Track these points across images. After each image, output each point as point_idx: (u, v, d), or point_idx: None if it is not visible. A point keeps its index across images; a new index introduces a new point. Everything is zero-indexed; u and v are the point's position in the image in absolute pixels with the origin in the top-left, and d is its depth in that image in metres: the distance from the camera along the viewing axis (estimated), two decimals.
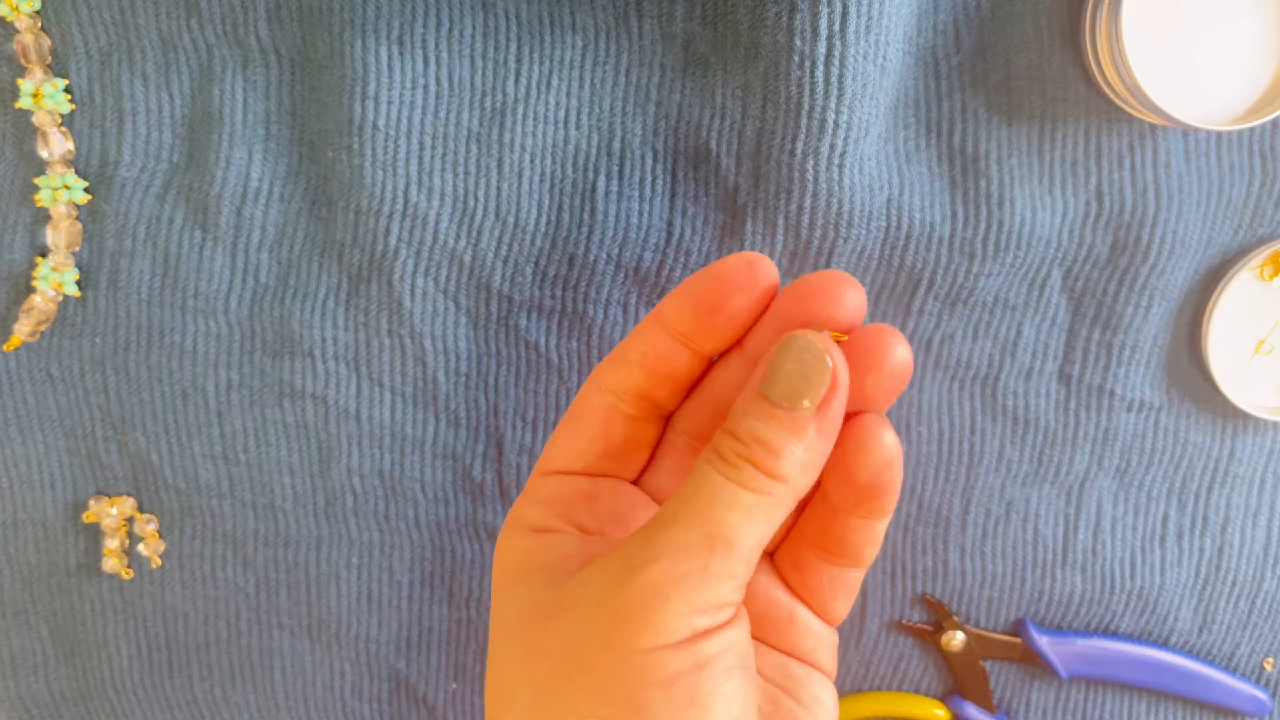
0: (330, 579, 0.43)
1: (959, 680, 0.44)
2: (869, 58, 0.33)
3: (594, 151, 0.37)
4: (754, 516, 0.24)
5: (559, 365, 0.40)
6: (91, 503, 0.42)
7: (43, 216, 0.38)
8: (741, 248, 0.37)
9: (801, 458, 0.24)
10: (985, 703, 0.44)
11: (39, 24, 0.36)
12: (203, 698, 0.45)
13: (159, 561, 0.43)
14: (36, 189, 0.38)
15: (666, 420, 0.29)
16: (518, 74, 0.36)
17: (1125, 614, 0.43)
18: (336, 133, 0.36)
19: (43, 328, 0.39)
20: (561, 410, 0.40)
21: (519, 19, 0.36)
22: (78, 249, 0.39)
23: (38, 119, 0.37)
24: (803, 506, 0.28)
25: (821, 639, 0.28)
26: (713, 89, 0.36)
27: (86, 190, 0.38)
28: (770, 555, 0.29)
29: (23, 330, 0.39)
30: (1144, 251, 0.38)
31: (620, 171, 0.37)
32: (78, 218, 0.38)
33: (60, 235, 0.38)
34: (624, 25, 0.36)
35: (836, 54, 0.33)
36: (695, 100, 0.36)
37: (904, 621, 0.43)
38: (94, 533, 0.43)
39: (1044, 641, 0.42)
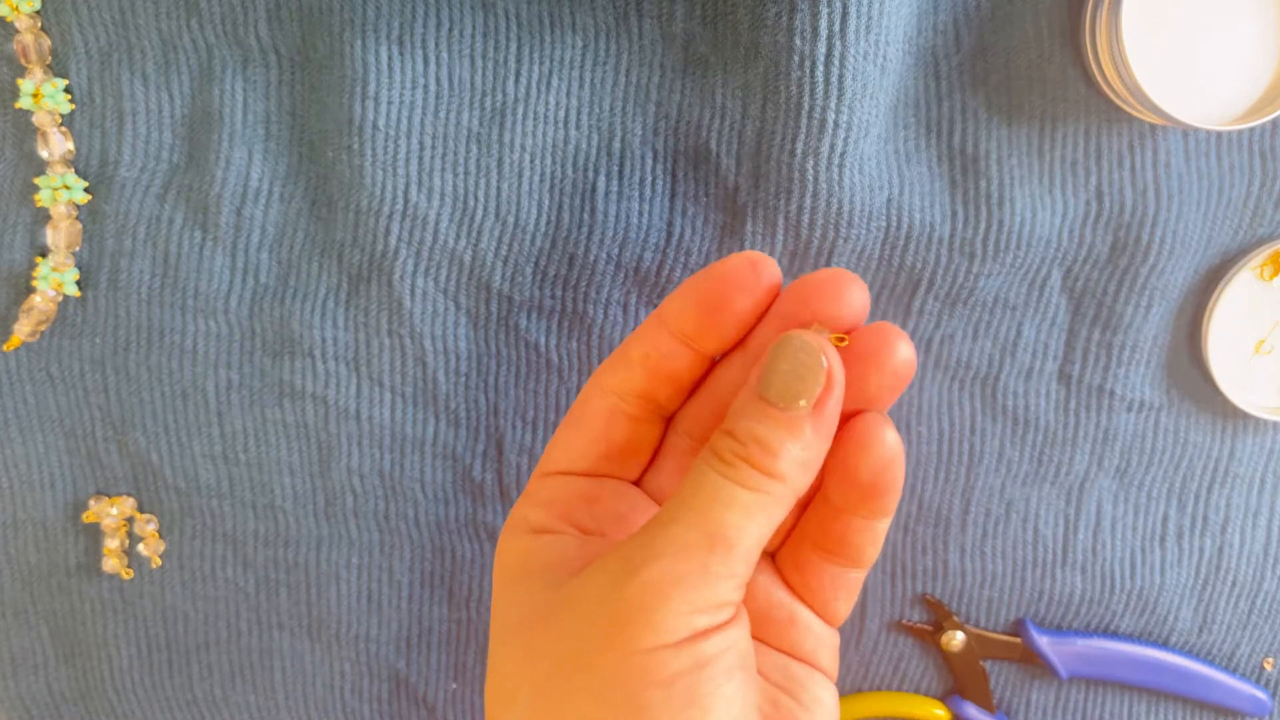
0: (330, 579, 0.43)
1: (959, 680, 0.44)
2: (869, 58, 0.33)
3: (594, 151, 0.37)
4: (753, 515, 0.24)
5: (559, 365, 0.40)
6: (91, 503, 0.42)
7: (43, 216, 0.38)
8: (741, 248, 0.37)
9: (799, 456, 0.24)
10: (985, 703, 0.44)
11: (39, 24, 0.36)
12: (203, 698, 0.45)
13: (159, 561, 0.43)
14: (36, 189, 0.38)
15: (668, 421, 0.29)
16: (518, 74, 0.36)
17: (1125, 614, 0.43)
18: (336, 133, 0.36)
19: (43, 328, 0.39)
20: (562, 410, 0.40)
21: (519, 19, 0.36)
22: (78, 249, 0.39)
23: (38, 119, 0.37)
24: (804, 507, 0.28)
25: (823, 640, 0.28)
26: (713, 89, 0.36)
27: (86, 190, 0.38)
28: (772, 556, 0.29)
29: (23, 330, 0.39)
30: (1144, 251, 0.38)
31: (620, 171, 0.37)
32: (78, 218, 0.38)
33: (60, 235, 0.38)
34: (624, 25, 0.36)
35: (836, 54, 0.33)
36: (695, 100, 0.36)
37: (904, 621, 0.43)
38: (94, 533, 0.43)
39: (1044, 641, 0.42)
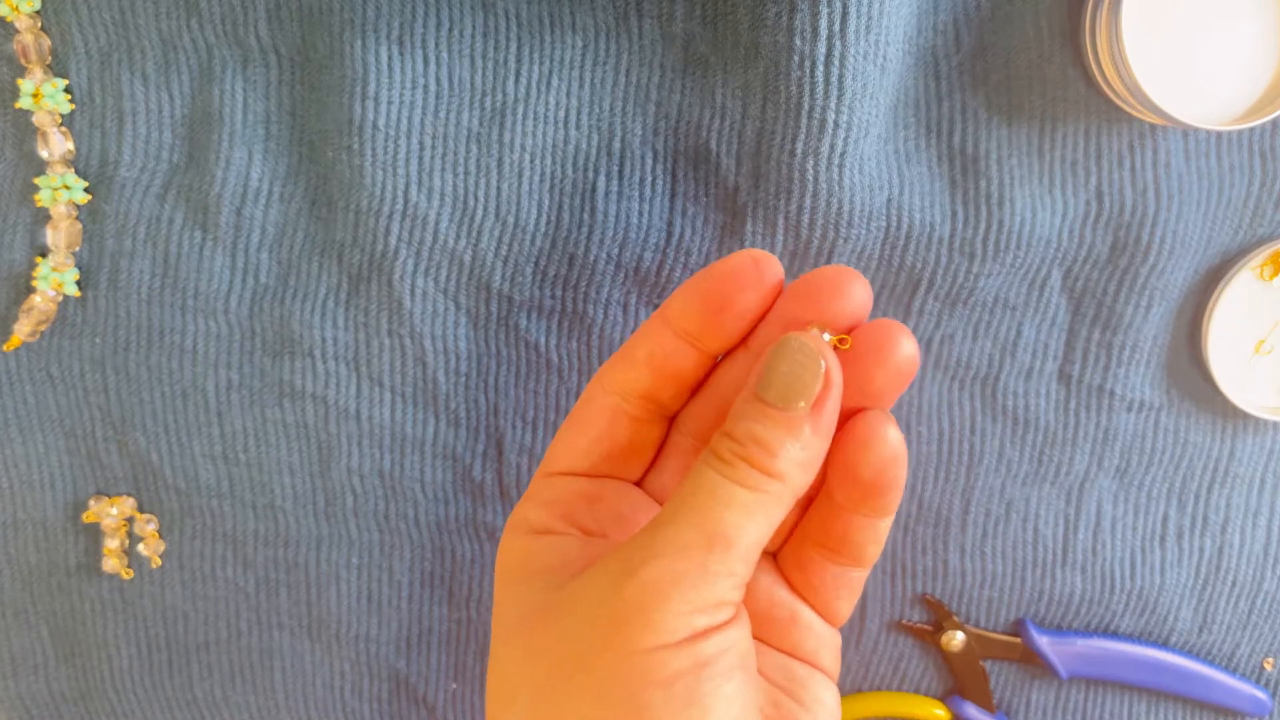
0: (330, 579, 0.43)
1: (959, 680, 0.44)
2: (869, 58, 0.33)
3: (594, 151, 0.37)
4: (752, 514, 0.24)
5: (559, 365, 0.40)
6: (91, 503, 0.42)
7: (43, 216, 0.38)
8: (741, 247, 0.37)
9: (798, 456, 0.24)
10: (985, 703, 0.44)
11: (39, 24, 0.36)
12: (203, 698, 0.45)
13: (159, 561, 0.43)
14: (36, 189, 0.38)
15: (670, 421, 0.29)
16: (518, 74, 0.36)
17: (1125, 614, 0.43)
18: (336, 133, 0.36)
19: (43, 328, 0.39)
20: (562, 410, 0.40)
21: (519, 19, 0.36)
22: (78, 249, 0.39)
23: (38, 119, 0.37)
24: (806, 506, 0.28)
25: (824, 639, 0.28)
26: (713, 89, 0.36)
27: (86, 190, 0.38)
28: (773, 556, 0.29)
29: (23, 330, 0.39)
30: (1144, 251, 0.38)
31: (620, 171, 0.37)
32: (78, 218, 0.38)
33: (60, 235, 0.38)
34: (624, 25, 0.36)
35: (836, 54, 0.33)
36: (695, 100, 0.36)
37: (904, 621, 0.43)
38: (94, 533, 0.43)
39: (1044, 641, 0.42)
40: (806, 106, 0.34)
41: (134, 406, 0.40)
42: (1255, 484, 0.42)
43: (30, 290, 0.39)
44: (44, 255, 0.38)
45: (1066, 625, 0.43)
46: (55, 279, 0.38)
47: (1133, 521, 0.42)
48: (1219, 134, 0.37)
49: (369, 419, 0.40)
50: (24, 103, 0.36)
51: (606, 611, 0.23)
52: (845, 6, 0.32)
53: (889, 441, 0.25)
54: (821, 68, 0.33)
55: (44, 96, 0.36)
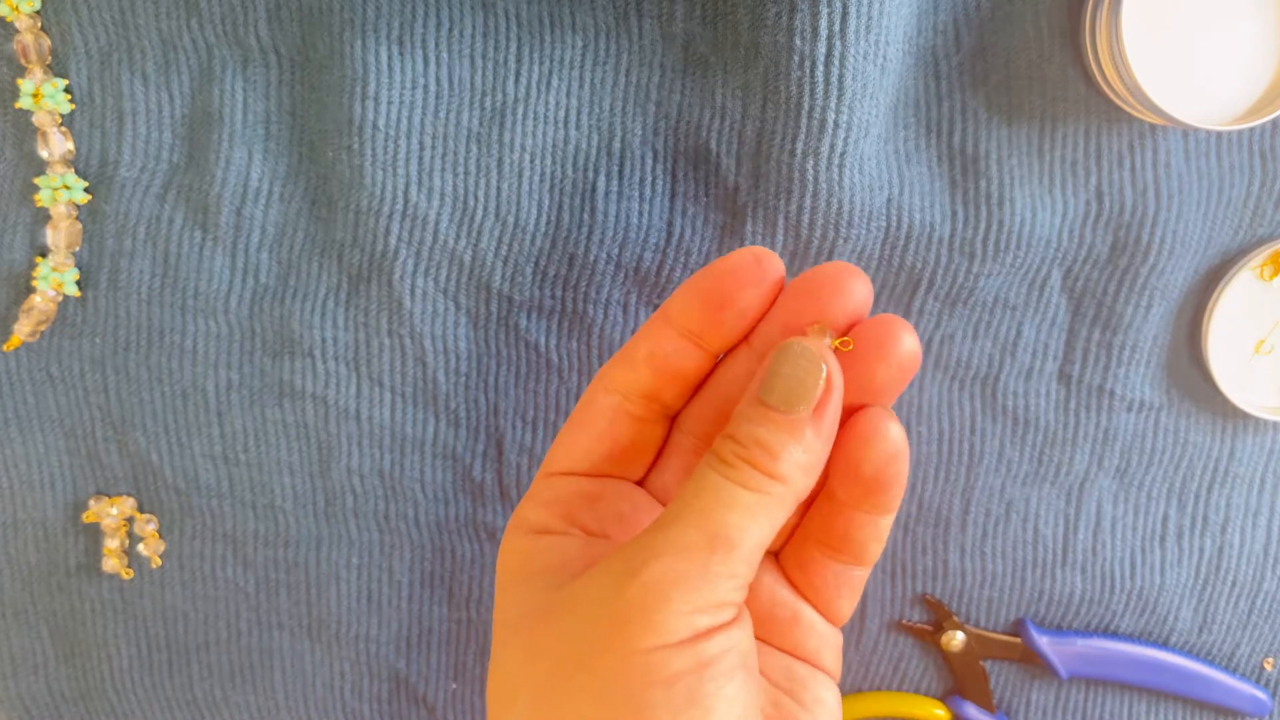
0: (330, 579, 0.43)
1: (959, 680, 0.44)
2: (869, 58, 0.33)
3: (594, 151, 0.37)
4: (754, 516, 0.24)
5: (559, 365, 0.40)
6: (91, 503, 0.42)
7: (43, 216, 0.38)
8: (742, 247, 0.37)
9: (800, 459, 0.24)
10: (985, 703, 0.44)
11: (39, 24, 0.36)
12: (203, 698, 0.45)
13: (159, 561, 0.42)
14: (36, 189, 0.38)
15: (672, 420, 0.29)
16: (518, 74, 0.36)
17: (1125, 614, 0.43)
18: (336, 133, 0.36)
19: (43, 328, 0.39)
20: (562, 410, 0.40)
21: (519, 19, 0.36)
22: (78, 249, 0.39)
23: (38, 119, 0.37)
24: (807, 506, 0.28)
25: (826, 639, 0.28)
26: (713, 89, 0.36)
27: (86, 190, 0.38)
28: (775, 555, 0.29)
29: (23, 330, 0.39)
30: (1144, 251, 0.38)
31: (620, 171, 0.37)
32: (78, 218, 0.38)
33: (60, 235, 0.38)
34: (624, 25, 0.36)
35: (836, 54, 0.33)
36: (695, 100, 0.36)
37: (904, 621, 0.43)
38: (94, 533, 0.43)
39: (1044, 641, 0.42)
40: (806, 106, 0.34)
41: (134, 406, 0.40)
42: (1255, 484, 0.42)
43: (30, 290, 0.39)
44: (44, 255, 0.38)
45: (1066, 625, 0.43)
46: (55, 279, 0.38)
47: (1133, 521, 0.42)
48: (1219, 134, 0.37)
49: (369, 419, 0.40)
50: (24, 103, 0.36)
51: (608, 611, 0.23)
52: (845, 6, 0.32)
53: (891, 438, 0.26)
54: (821, 68, 0.33)
55: (44, 96, 0.36)
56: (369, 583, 0.43)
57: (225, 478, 0.41)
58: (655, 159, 0.37)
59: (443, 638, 0.44)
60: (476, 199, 0.37)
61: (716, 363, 0.28)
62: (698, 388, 0.29)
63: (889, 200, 0.36)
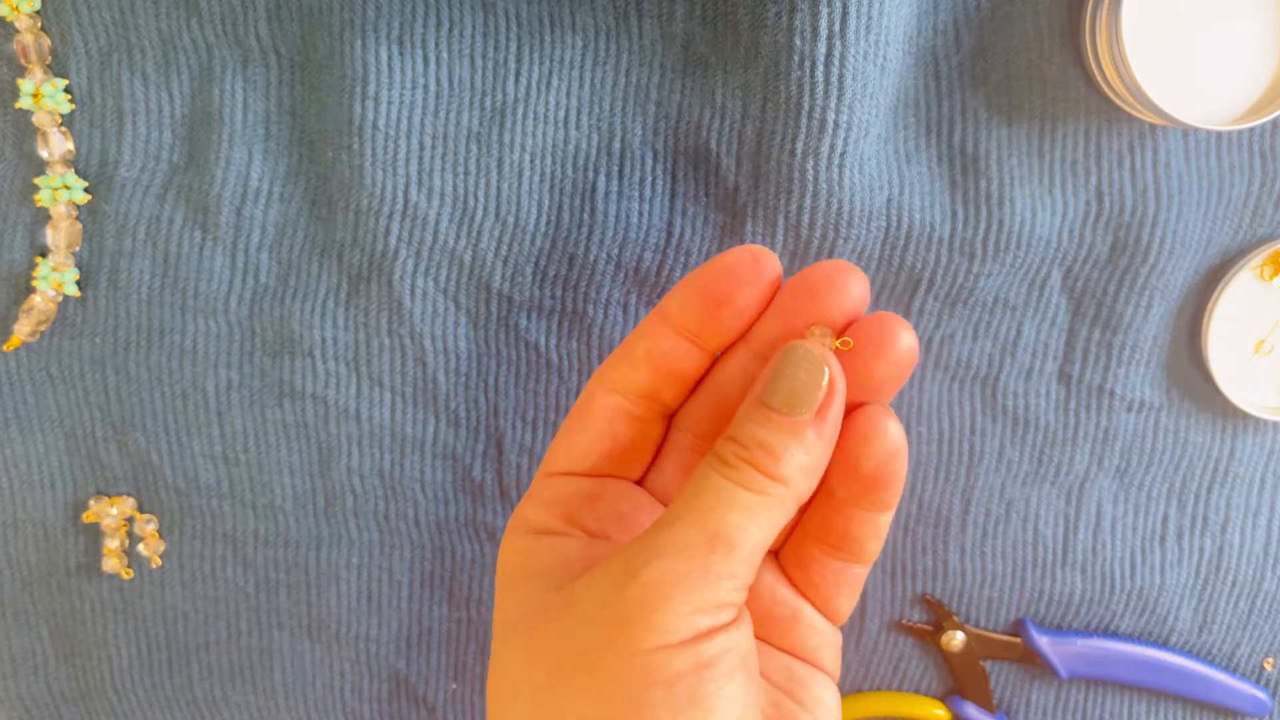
0: (330, 579, 0.43)
1: (959, 680, 0.44)
2: (869, 58, 0.33)
3: (594, 151, 0.37)
4: (755, 517, 0.24)
5: (559, 365, 0.40)
6: (91, 503, 0.42)
7: (43, 216, 0.38)
8: None
9: (802, 461, 0.24)
10: (985, 703, 0.44)
11: (39, 24, 0.36)
12: (203, 698, 0.45)
13: (159, 561, 0.42)
14: (36, 189, 0.38)
15: (669, 419, 0.29)
16: (518, 74, 0.36)
17: (1125, 614, 0.43)
18: (336, 133, 0.36)
19: (43, 328, 0.39)
20: (562, 410, 0.40)
21: (519, 19, 0.36)
22: (78, 249, 0.39)
23: (38, 119, 0.37)
24: (806, 505, 0.28)
25: (825, 637, 0.28)
26: (713, 89, 0.36)
27: (86, 190, 0.38)
28: (774, 554, 0.29)
29: (23, 330, 0.39)
30: (1144, 251, 0.38)
31: (620, 171, 0.37)
32: (78, 218, 0.38)
33: (60, 235, 0.38)
34: (624, 25, 0.36)
35: (836, 54, 0.33)
36: (695, 100, 0.36)
37: (904, 621, 0.43)
38: (94, 533, 0.43)
39: (1044, 641, 0.42)
40: (806, 106, 0.34)
41: (134, 406, 0.40)
42: (1255, 484, 0.42)
43: (30, 290, 0.39)
44: (44, 255, 0.38)
45: (1066, 625, 0.43)
46: (55, 279, 0.38)
47: (1133, 521, 0.42)
48: (1219, 134, 0.37)
49: (369, 419, 0.40)
50: (24, 103, 0.36)
51: (608, 612, 0.23)
52: (845, 6, 0.32)
53: (890, 435, 0.26)
54: (821, 68, 0.33)
55: (44, 96, 0.36)
56: (369, 583, 0.43)
57: (225, 478, 0.41)
58: (655, 159, 0.37)
59: (443, 638, 0.44)
60: (476, 199, 0.37)
61: (714, 361, 0.28)
62: (695, 386, 0.29)
63: (889, 200, 0.36)
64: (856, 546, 0.27)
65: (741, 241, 0.37)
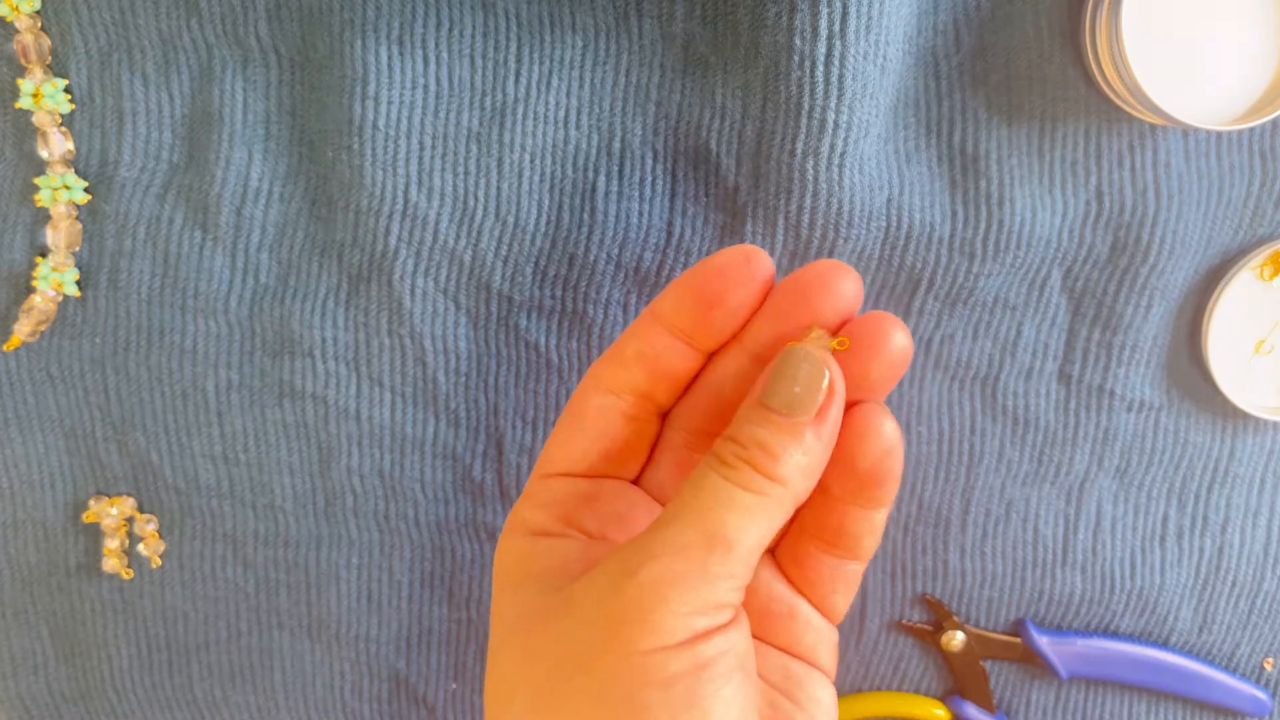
0: (330, 579, 0.43)
1: (959, 680, 0.44)
2: (869, 58, 0.33)
3: (594, 151, 0.37)
4: (753, 517, 0.24)
5: (559, 365, 0.40)
6: (91, 503, 0.42)
7: (43, 216, 0.38)
8: None
9: (800, 462, 0.24)
10: (985, 703, 0.44)
11: (39, 24, 0.36)
12: (203, 698, 0.45)
13: (159, 561, 0.43)
14: (36, 189, 0.38)
15: (663, 418, 0.29)
16: (518, 74, 0.36)
17: (1125, 614, 0.43)
18: (336, 133, 0.36)
19: (43, 328, 0.39)
20: (562, 410, 0.40)
21: (519, 19, 0.36)
22: (78, 249, 0.39)
23: (38, 119, 0.37)
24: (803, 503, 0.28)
25: (822, 635, 0.28)
26: (713, 89, 0.36)
27: (86, 190, 0.38)
28: (771, 551, 0.29)
29: (23, 330, 0.39)
30: (1144, 251, 0.38)
31: (620, 171, 0.37)
32: (78, 218, 0.38)
33: (60, 235, 0.38)
34: (624, 25, 0.36)
35: (836, 54, 0.33)
36: (695, 100, 0.36)
37: (904, 621, 0.43)
38: (94, 533, 0.43)
39: (1044, 641, 0.42)
40: (806, 106, 0.34)
41: (134, 406, 0.40)
42: (1255, 484, 0.42)
43: (30, 290, 0.39)
44: (44, 255, 0.38)
45: (1066, 625, 0.43)
46: (55, 279, 0.38)
47: (1133, 521, 0.42)
48: (1219, 134, 0.37)
49: (369, 419, 0.40)
50: (24, 103, 0.36)
51: (606, 613, 0.23)
52: (845, 6, 0.32)
53: (885, 433, 0.26)
54: (821, 68, 0.33)
55: (44, 96, 0.36)
56: (369, 583, 0.43)
57: (225, 478, 0.41)
58: (655, 159, 0.37)
59: (443, 638, 0.44)
60: (476, 199, 0.37)
61: (707, 360, 0.28)
62: (689, 385, 0.29)
63: (889, 200, 0.36)
64: (853, 543, 0.27)
65: (741, 241, 0.37)
